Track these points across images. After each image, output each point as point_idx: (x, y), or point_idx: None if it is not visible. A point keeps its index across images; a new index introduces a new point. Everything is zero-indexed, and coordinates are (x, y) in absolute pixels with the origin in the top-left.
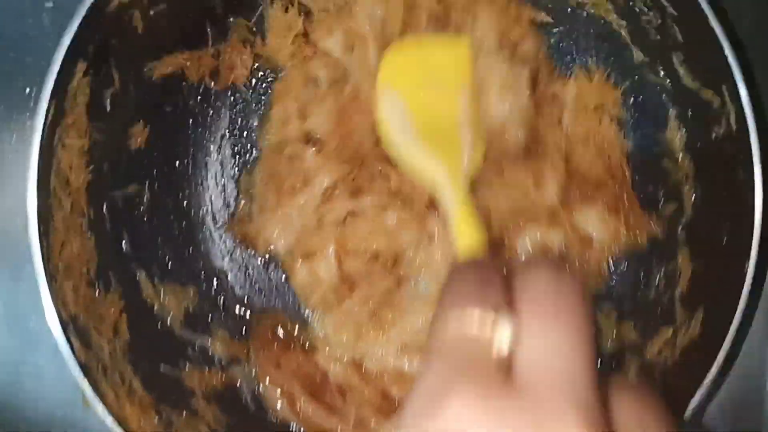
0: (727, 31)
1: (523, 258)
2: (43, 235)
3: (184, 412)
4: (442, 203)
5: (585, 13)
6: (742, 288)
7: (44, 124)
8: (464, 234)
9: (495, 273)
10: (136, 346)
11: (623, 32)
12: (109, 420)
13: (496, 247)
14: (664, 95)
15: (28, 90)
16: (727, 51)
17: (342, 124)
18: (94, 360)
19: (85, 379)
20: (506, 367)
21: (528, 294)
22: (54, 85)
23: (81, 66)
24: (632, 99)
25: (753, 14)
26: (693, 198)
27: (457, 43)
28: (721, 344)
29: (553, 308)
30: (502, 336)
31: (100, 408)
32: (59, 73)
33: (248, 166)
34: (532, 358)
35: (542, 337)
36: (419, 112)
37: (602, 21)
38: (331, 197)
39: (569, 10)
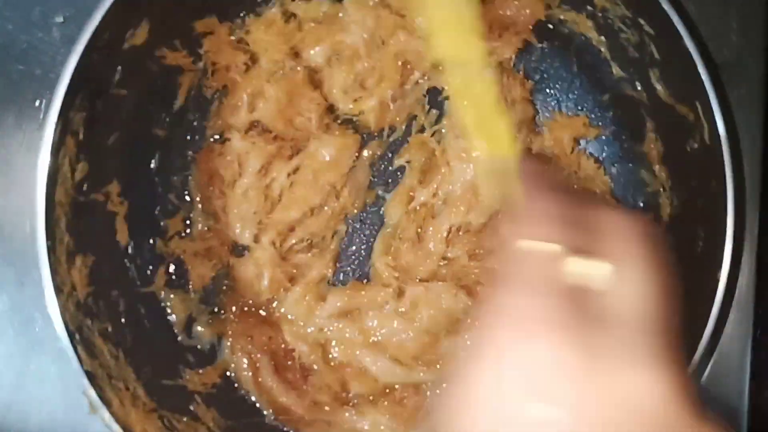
0: (700, 50)
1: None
2: (51, 249)
3: (186, 417)
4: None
5: (566, 30)
6: (716, 295)
7: (52, 143)
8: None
9: (579, 209)
10: (139, 354)
11: (603, 48)
12: (115, 426)
13: None
14: (642, 109)
15: (37, 102)
16: (701, 68)
17: (288, 107)
18: (100, 368)
19: (92, 387)
20: (593, 305)
21: (626, 239)
22: (61, 105)
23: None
24: (611, 113)
25: (736, 35)
26: (669, 208)
27: None
28: (696, 350)
29: (651, 258)
30: (598, 277)
31: (106, 415)
32: (66, 94)
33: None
34: (625, 302)
35: (639, 285)
36: None
37: (582, 37)
38: (268, 171)
39: (551, 26)
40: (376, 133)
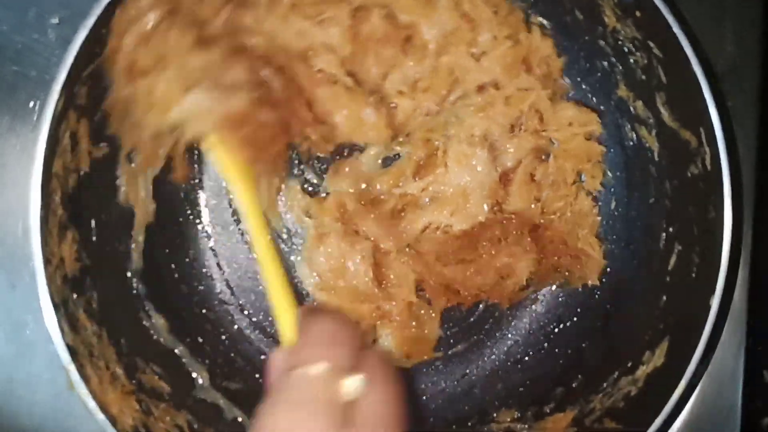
0: (708, 76)
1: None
2: (44, 220)
3: (164, 403)
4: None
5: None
6: (706, 321)
7: (53, 114)
8: (286, 320)
9: (350, 336)
10: (122, 335)
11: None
12: (92, 403)
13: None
14: (644, 132)
15: (32, 103)
16: (707, 95)
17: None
18: (82, 345)
19: (72, 363)
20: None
21: (371, 364)
22: (66, 76)
23: (82, 89)
24: (616, 137)
25: (732, 45)
26: (665, 233)
27: None
28: (683, 374)
29: (386, 376)
30: (353, 389)
31: (83, 391)
32: (60, 96)
33: None
34: (370, 408)
35: (381, 394)
36: None
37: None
38: None
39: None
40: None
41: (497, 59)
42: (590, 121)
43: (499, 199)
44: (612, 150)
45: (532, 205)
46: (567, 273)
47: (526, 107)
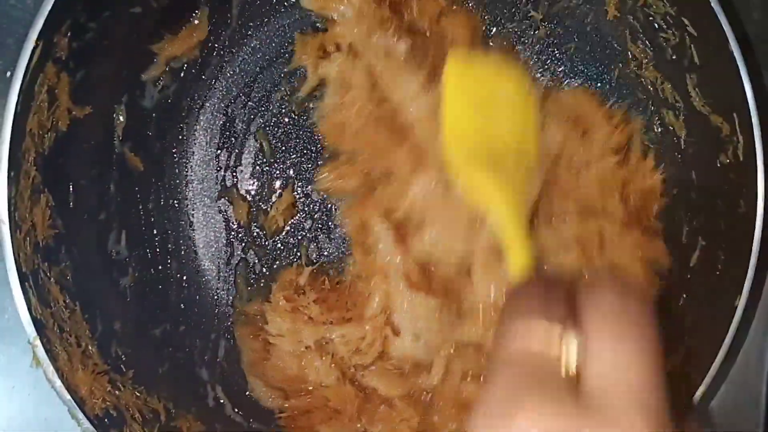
0: (746, 57)
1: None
2: (13, 180)
3: (141, 387)
4: (495, 224)
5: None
6: (730, 325)
7: (17, 102)
8: (517, 255)
9: (559, 289)
10: (98, 310)
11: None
12: (58, 383)
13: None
14: (671, 116)
15: (9, 73)
16: (744, 77)
17: None
18: (51, 318)
19: (38, 337)
20: (573, 382)
21: (596, 312)
22: (30, 58)
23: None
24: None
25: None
26: (688, 227)
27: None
28: (699, 383)
29: (621, 326)
30: (569, 351)
31: (50, 370)
32: (36, 45)
33: None
34: (602, 373)
35: (611, 354)
36: (483, 133)
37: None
38: None
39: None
40: None
41: (596, 176)
42: (657, 253)
43: None
44: None
45: None
46: None
47: (593, 232)
